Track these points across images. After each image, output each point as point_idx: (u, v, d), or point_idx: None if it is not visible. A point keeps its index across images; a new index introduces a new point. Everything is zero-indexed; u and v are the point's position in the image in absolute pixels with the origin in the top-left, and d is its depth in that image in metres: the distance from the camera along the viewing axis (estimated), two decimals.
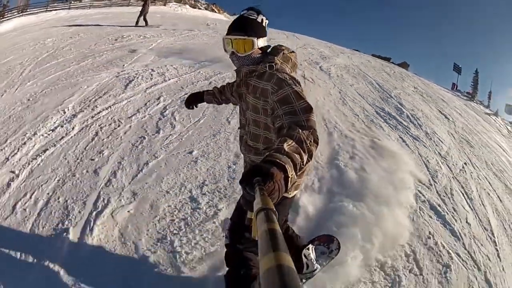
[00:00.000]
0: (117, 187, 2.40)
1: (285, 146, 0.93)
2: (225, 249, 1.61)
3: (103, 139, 3.11)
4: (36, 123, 3.23)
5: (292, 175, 0.87)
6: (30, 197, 2.23)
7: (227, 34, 1.43)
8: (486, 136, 6.60)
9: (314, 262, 1.87)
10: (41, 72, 4.93)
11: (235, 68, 1.51)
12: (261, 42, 1.43)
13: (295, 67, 1.51)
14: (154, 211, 2.21)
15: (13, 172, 2.53)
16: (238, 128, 1.66)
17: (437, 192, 3.23)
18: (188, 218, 2.19)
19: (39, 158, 2.65)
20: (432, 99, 7.61)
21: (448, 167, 3.86)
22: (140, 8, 11.24)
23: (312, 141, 1.02)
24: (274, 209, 0.62)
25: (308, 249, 1.86)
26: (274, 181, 0.80)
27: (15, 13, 12.46)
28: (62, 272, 1.72)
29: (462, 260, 2.33)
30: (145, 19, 10.80)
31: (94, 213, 2.11)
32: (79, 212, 2.11)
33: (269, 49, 1.49)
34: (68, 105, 3.63)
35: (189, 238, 2.03)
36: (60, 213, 2.09)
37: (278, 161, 0.85)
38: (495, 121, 10.21)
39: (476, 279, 2.25)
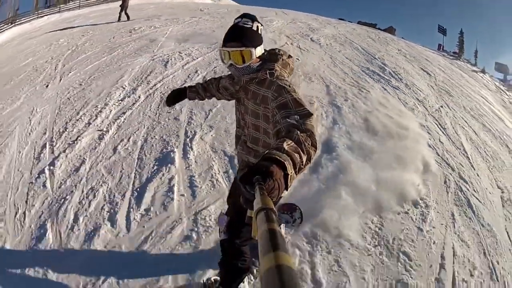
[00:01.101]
0: (197, 124, 3.49)
1: (285, 145, 0.93)
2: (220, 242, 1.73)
3: None
4: (102, 97, 4.16)
5: (291, 173, 0.87)
6: (128, 140, 3.18)
7: (223, 46, 1.42)
8: (470, 90, 7.17)
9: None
10: (77, 64, 5.78)
11: (235, 79, 1.52)
12: (258, 51, 1.42)
13: (292, 71, 1.54)
14: (228, 134, 3.27)
15: (100, 130, 3.41)
16: (237, 127, 1.67)
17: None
18: None
19: (122, 118, 3.61)
20: (415, 59, 8.31)
21: (425, 107, 4.80)
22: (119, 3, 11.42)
23: (310, 144, 1.02)
24: (274, 209, 0.63)
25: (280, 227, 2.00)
26: (274, 179, 0.80)
27: (3, 26, 12.70)
28: (179, 164, 2.81)
29: (437, 162, 3.26)
30: (126, 14, 11.01)
31: (188, 139, 3.20)
32: (176, 141, 3.18)
33: (266, 54, 1.50)
34: (124, 83, 4.56)
35: None
36: (160, 144, 3.11)
37: (278, 158, 0.86)
38: (482, 78, 10.65)
39: (451, 175, 3.13)
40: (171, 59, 5.63)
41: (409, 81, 6.01)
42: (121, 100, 4.06)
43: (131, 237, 2.13)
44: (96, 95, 4.29)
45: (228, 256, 1.70)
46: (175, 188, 2.56)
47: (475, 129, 4.73)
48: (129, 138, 3.26)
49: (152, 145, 3.12)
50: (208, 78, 1.86)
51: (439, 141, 3.86)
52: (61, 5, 15.40)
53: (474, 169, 3.50)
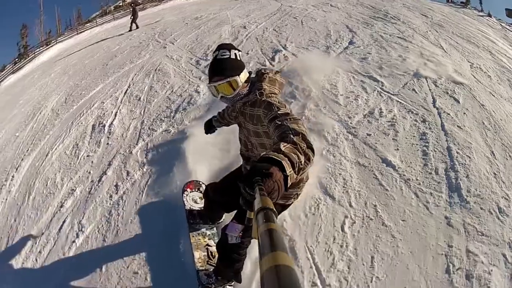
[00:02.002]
0: None
1: (281, 146, 0.96)
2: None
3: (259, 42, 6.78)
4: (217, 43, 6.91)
5: (290, 172, 0.88)
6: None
7: (209, 82, 1.49)
8: (467, 25, 7.94)
9: None
10: (177, 36, 8.73)
11: (231, 107, 1.64)
12: (243, 77, 1.48)
13: (282, 86, 1.61)
14: None
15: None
16: (245, 150, 1.74)
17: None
18: None
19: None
20: (417, 8, 9.31)
21: (414, 30, 6.74)
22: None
23: (306, 146, 1.02)
24: (274, 209, 0.63)
25: None
26: (274, 180, 0.81)
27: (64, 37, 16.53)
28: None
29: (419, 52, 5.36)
30: (135, 23, 12.55)
31: None
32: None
33: (254, 76, 1.58)
34: (225, 36, 7.37)
35: None
36: None
37: (275, 158, 0.87)
38: (488, 20, 10.58)
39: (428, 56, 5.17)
40: (245, 25, 8.26)
41: (407, 20, 7.68)
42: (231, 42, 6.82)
43: None
44: (212, 42, 7.21)
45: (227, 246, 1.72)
46: None
47: (460, 42, 6.11)
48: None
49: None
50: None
51: (420, 42, 5.93)
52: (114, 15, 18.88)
53: (446, 52, 5.49)
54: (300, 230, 2.42)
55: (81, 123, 4.93)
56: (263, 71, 1.58)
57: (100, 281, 2.34)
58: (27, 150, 4.63)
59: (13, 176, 3.96)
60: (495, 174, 2.82)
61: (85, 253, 2.63)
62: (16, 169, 4.12)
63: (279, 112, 1.32)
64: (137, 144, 3.88)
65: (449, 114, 3.64)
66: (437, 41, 6.20)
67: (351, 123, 3.56)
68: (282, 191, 0.84)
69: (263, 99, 1.45)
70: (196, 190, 2.66)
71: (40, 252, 2.68)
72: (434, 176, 2.79)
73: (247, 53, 6.15)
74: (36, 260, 2.62)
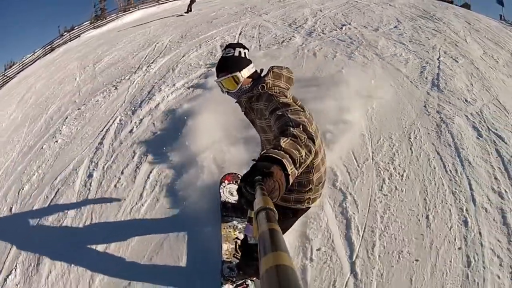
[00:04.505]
0: None
1: (282, 143, 0.96)
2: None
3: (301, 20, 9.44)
4: (302, 18, 9.73)
5: (291, 170, 0.89)
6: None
7: (216, 79, 1.63)
8: (505, 37, 8.09)
9: None
10: (268, 10, 11.45)
11: (235, 101, 1.68)
12: (246, 72, 1.56)
13: (290, 80, 1.62)
14: None
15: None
16: (261, 150, 1.85)
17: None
18: None
19: (320, 16, 9.26)
20: (465, 17, 9.74)
21: (449, 28, 8.79)
22: None
23: (306, 137, 1.04)
24: (274, 209, 0.64)
25: None
26: (274, 179, 0.82)
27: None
28: None
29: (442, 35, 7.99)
30: (191, 7, 13.05)
31: None
32: None
33: (260, 72, 1.65)
34: (307, 15, 9.89)
35: None
36: None
37: (275, 156, 0.88)
38: None
39: (449, 45, 7.90)
40: (321, 9, 10.16)
41: (448, 22, 8.61)
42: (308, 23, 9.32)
43: None
44: (298, 16, 9.61)
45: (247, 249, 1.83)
46: None
47: (484, 41, 7.02)
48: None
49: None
50: None
51: (450, 34, 7.91)
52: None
53: (467, 43, 6.91)
54: None
55: (209, 44, 8.03)
56: (270, 68, 1.63)
57: (129, 250, 2.62)
58: (159, 55, 7.84)
59: (150, 64, 7.18)
60: (468, 89, 4.69)
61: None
62: (151, 64, 7.27)
63: (279, 102, 1.34)
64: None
65: (446, 63, 5.91)
66: (464, 37, 7.82)
67: (383, 55, 6.24)
68: (283, 190, 0.85)
69: (264, 91, 1.50)
70: (234, 182, 2.62)
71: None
72: (424, 79, 5.26)
73: (324, 25, 8.76)
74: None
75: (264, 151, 0.93)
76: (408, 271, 2.36)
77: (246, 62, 1.60)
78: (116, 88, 6.54)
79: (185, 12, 12.94)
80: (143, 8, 18.39)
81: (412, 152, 3.49)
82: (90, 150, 4.54)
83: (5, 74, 16.71)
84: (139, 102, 5.59)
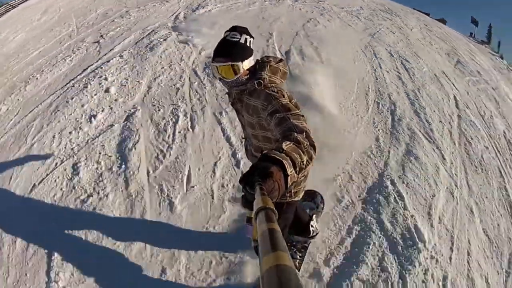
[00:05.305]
0: None
1: (283, 145, 0.95)
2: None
3: None
4: None
5: (291, 173, 0.87)
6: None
7: (212, 60, 1.45)
8: (462, 48, 8.50)
9: (317, 226, 2.16)
10: None
11: (228, 92, 1.60)
12: (246, 64, 1.44)
13: (285, 75, 1.55)
14: None
15: None
16: (243, 138, 1.78)
17: None
18: None
19: None
20: (425, 22, 10.18)
21: (402, 22, 8.98)
22: None
23: (308, 144, 1.03)
24: (274, 209, 0.63)
25: (312, 219, 2.13)
26: (274, 180, 0.80)
27: None
28: None
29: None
30: None
31: None
32: None
33: (256, 64, 1.50)
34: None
35: None
36: None
37: (276, 157, 0.86)
38: (496, 58, 10.53)
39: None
40: None
41: (405, 19, 9.32)
42: None
43: None
44: None
45: None
46: None
47: (430, 35, 8.52)
48: None
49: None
50: None
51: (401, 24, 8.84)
52: None
53: (411, 31, 8.16)
54: None
55: None
56: (265, 59, 1.54)
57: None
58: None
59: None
60: (394, 41, 7.02)
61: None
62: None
63: (280, 105, 1.30)
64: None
65: (384, 31, 7.66)
66: (412, 28, 8.63)
67: (342, 19, 7.96)
68: (282, 191, 0.84)
69: (261, 89, 1.43)
70: None
71: None
72: (366, 32, 7.25)
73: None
74: None
75: (265, 151, 0.92)
76: None
77: (249, 52, 1.48)
78: (167, 1, 8.24)
79: None
80: None
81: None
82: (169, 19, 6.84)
83: None
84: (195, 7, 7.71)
